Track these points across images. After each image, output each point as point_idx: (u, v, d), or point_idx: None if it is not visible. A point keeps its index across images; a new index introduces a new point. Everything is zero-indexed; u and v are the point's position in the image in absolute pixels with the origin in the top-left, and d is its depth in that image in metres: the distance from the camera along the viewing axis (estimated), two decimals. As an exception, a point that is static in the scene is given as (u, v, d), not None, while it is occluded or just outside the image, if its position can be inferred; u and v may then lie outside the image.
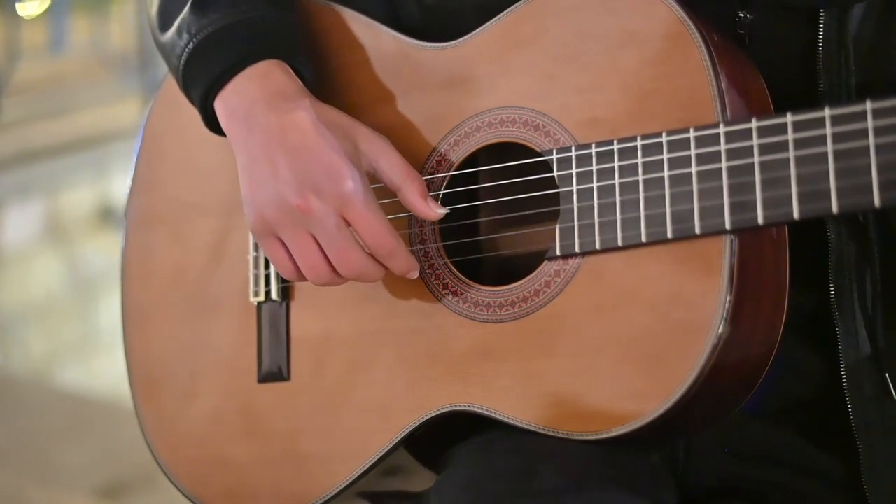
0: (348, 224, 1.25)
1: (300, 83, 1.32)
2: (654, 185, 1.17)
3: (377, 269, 1.27)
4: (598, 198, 1.20)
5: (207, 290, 1.47)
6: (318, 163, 1.24)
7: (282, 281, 1.41)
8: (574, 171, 1.22)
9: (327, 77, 1.39)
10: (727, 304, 1.13)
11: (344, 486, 1.34)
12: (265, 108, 1.28)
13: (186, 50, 1.33)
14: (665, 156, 1.16)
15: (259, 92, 1.29)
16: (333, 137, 1.25)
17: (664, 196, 1.16)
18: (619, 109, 1.21)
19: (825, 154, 1.08)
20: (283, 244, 1.28)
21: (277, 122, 1.27)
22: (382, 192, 1.30)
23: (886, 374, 1.27)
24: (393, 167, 1.28)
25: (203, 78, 1.32)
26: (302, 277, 1.29)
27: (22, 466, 3.55)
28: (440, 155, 1.32)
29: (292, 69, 1.33)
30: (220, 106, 1.32)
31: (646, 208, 1.17)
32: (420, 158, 1.33)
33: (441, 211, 1.29)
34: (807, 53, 1.25)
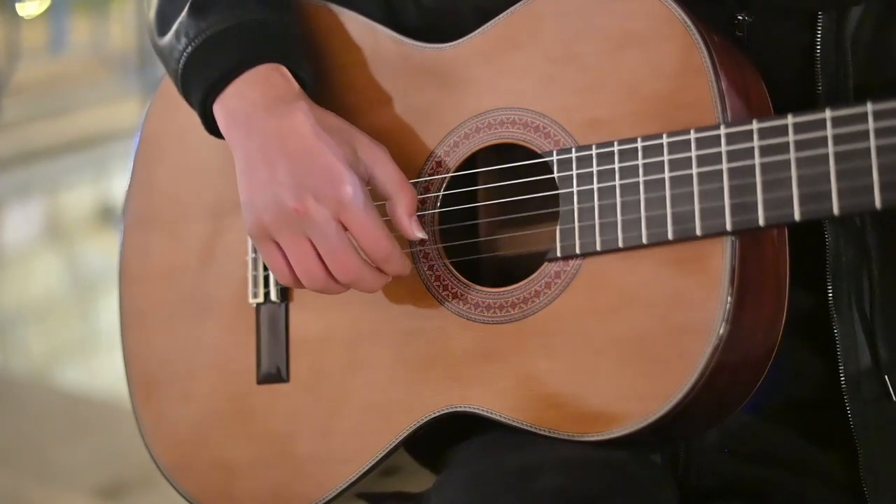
0: (345, 229, 1.25)
1: (299, 87, 1.32)
2: (654, 186, 1.17)
3: (373, 275, 1.27)
4: (599, 199, 1.20)
5: (206, 292, 1.47)
6: (316, 167, 1.24)
7: (281, 282, 1.41)
8: (574, 172, 1.22)
9: (326, 78, 1.39)
10: (728, 306, 1.13)
11: (343, 487, 1.34)
12: (264, 112, 1.28)
13: (185, 54, 1.33)
14: (666, 157, 1.16)
15: (258, 96, 1.29)
16: (332, 142, 1.25)
17: (665, 197, 1.16)
18: (619, 110, 1.21)
19: (826, 156, 1.08)
20: (281, 249, 1.27)
21: (276, 126, 1.27)
22: (379, 196, 1.30)
23: (886, 376, 1.27)
24: (388, 177, 1.28)
25: (202, 82, 1.32)
26: (298, 283, 1.29)
27: (22, 466, 3.55)
28: (439, 156, 1.32)
29: (291, 72, 1.33)
30: (219, 110, 1.32)
31: (646, 210, 1.17)
32: (419, 160, 1.33)
33: (420, 234, 1.28)
34: (805, 56, 1.25)
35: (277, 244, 1.27)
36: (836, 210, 1.08)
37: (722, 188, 1.13)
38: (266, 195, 1.26)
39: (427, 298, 1.30)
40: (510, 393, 1.23)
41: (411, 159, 1.32)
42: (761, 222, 1.11)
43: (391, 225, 1.29)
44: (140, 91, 6.55)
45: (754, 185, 1.12)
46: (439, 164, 1.32)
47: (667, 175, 1.16)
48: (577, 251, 1.21)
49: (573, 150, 1.22)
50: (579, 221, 1.21)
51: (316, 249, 1.26)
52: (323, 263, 1.26)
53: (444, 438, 1.32)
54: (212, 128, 1.35)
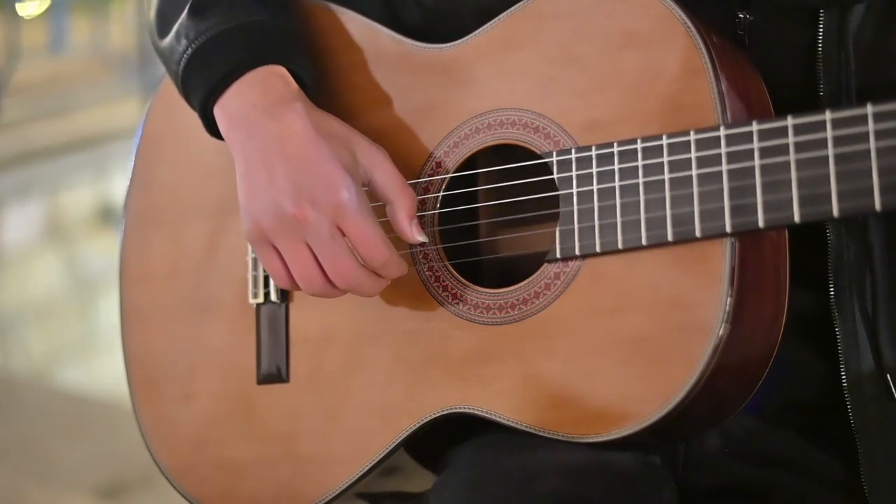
0: (343, 234, 1.25)
1: (299, 89, 1.32)
2: (654, 187, 1.17)
3: (370, 281, 1.27)
4: (599, 200, 1.20)
5: (206, 292, 1.47)
6: (314, 172, 1.24)
7: (281, 282, 1.41)
8: (574, 173, 1.22)
9: (326, 79, 1.39)
10: (727, 307, 1.12)
11: (343, 487, 1.33)
12: (264, 114, 1.28)
13: (185, 56, 1.33)
14: (665, 158, 1.16)
15: (259, 98, 1.29)
16: (331, 146, 1.25)
17: (664, 199, 1.16)
18: (619, 111, 1.21)
19: (826, 157, 1.08)
20: (279, 253, 1.28)
21: (276, 129, 1.27)
22: (379, 200, 1.30)
23: (888, 375, 1.27)
24: (387, 180, 1.28)
25: (202, 84, 1.32)
26: (296, 287, 1.29)
27: (22, 466, 3.55)
28: (439, 157, 1.32)
29: (292, 73, 1.33)
30: (219, 112, 1.32)
31: (646, 211, 1.17)
32: (419, 160, 1.33)
33: (421, 238, 1.29)
34: (807, 54, 1.25)
35: (275, 248, 1.27)
36: (835, 212, 1.08)
37: (721, 190, 1.13)
38: (265, 200, 1.26)
39: (427, 299, 1.30)
40: (510, 394, 1.23)
41: (411, 160, 1.32)
42: (761, 224, 1.11)
43: (390, 228, 1.29)
44: (140, 91, 6.56)
45: (754, 186, 1.11)
46: (439, 164, 1.32)
47: (666, 176, 1.16)
48: (577, 252, 1.21)
49: (573, 151, 1.22)
50: (579, 223, 1.21)
51: (314, 254, 1.26)
52: (321, 268, 1.26)
53: (444, 439, 1.32)
54: (213, 129, 1.35)
